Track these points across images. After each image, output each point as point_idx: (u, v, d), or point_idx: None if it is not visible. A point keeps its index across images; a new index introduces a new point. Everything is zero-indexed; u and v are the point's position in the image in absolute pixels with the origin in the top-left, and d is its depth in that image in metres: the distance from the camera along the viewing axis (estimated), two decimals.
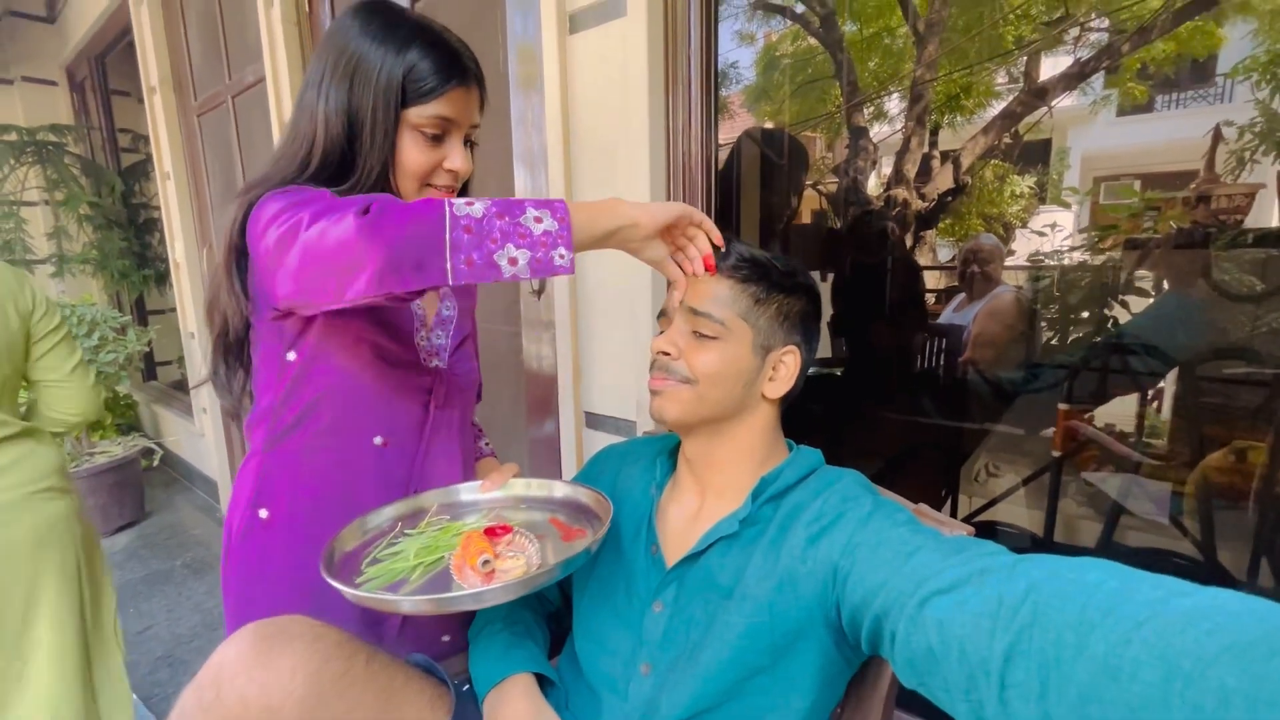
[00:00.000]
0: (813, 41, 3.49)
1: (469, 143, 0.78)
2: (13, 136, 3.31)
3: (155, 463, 3.14)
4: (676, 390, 0.67)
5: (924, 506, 0.69)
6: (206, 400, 2.87)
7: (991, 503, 1.96)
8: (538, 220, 0.55)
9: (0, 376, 1.11)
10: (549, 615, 0.84)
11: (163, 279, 3.66)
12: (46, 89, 3.83)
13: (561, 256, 0.55)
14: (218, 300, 0.75)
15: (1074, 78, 2.60)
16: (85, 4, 3.24)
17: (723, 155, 1.78)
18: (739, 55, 3.64)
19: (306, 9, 1.82)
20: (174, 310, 3.26)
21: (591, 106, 1.14)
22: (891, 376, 2.32)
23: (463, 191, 0.82)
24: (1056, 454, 1.82)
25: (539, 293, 1.29)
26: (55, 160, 3.43)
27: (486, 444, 1.00)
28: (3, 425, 1.09)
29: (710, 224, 0.66)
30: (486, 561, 0.61)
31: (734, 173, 1.67)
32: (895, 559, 0.53)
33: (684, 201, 1.11)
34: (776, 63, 3.74)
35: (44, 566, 1.11)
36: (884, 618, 0.51)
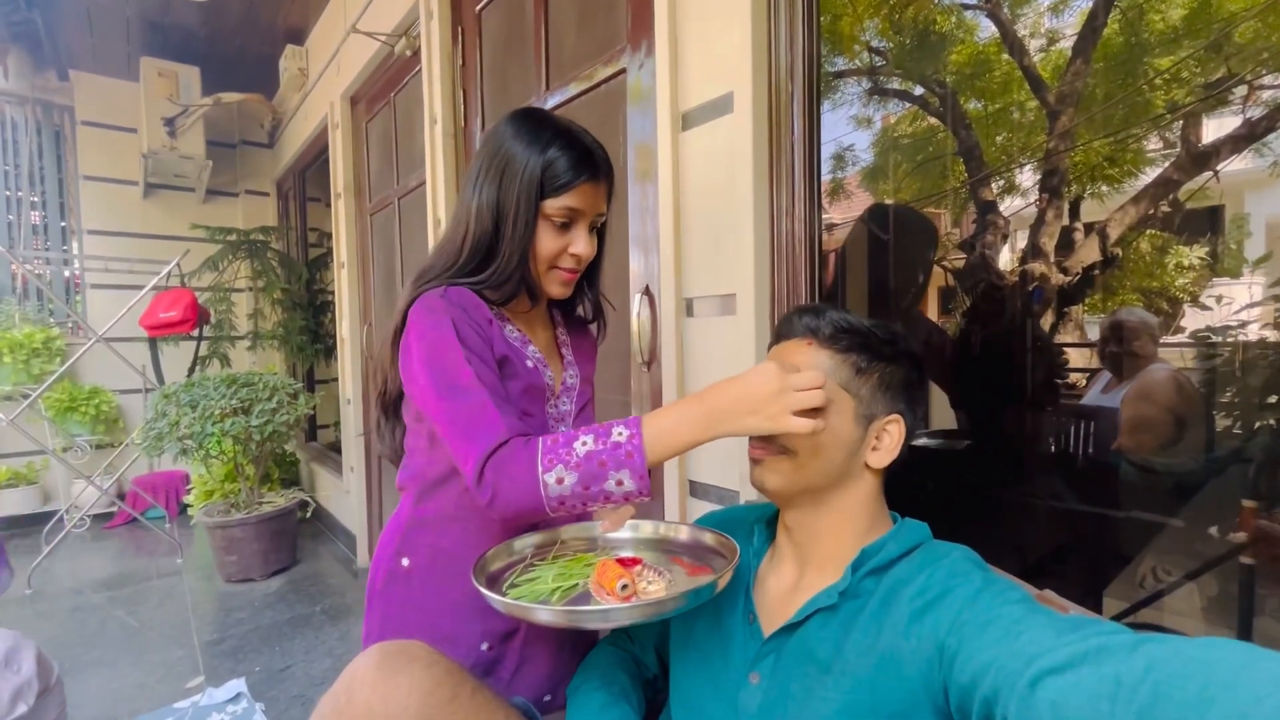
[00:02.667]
0: (933, 120, 3.48)
1: (595, 229, 0.86)
2: (233, 237, 4.08)
3: (308, 515, 3.52)
4: (776, 460, 0.68)
5: (1049, 593, 0.64)
6: (354, 459, 3.20)
7: (1149, 599, 1.68)
8: (619, 483, 0.65)
9: None
10: (645, 683, 0.84)
11: (330, 352, 4.22)
12: (260, 199, 4.72)
13: (640, 497, 0.66)
14: (382, 363, 0.87)
15: (1243, 140, 2.38)
16: (296, 131, 4.00)
17: (831, 235, 1.80)
18: (855, 138, 3.69)
19: (462, 124, 2.13)
20: (335, 380, 3.73)
21: (701, 194, 1.23)
22: (1021, 460, 2.12)
23: (591, 271, 0.92)
24: (1247, 561, 1.54)
25: (649, 364, 1.36)
26: (260, 255, 4.16)
27: None
28: None
29: (804, 389, 0.62)
30: (625, 585, 0.64)
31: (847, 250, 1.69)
32: (1005, 636, 0.49)
33: (788, 282, 1.15)
34: (896, 143, 3.75)
35: None
36: (994, 700, 0.47)
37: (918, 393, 0.71)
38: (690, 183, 1.25)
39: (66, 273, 4.36)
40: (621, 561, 0.71)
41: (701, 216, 1.23)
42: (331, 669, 2.18)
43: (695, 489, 1.27)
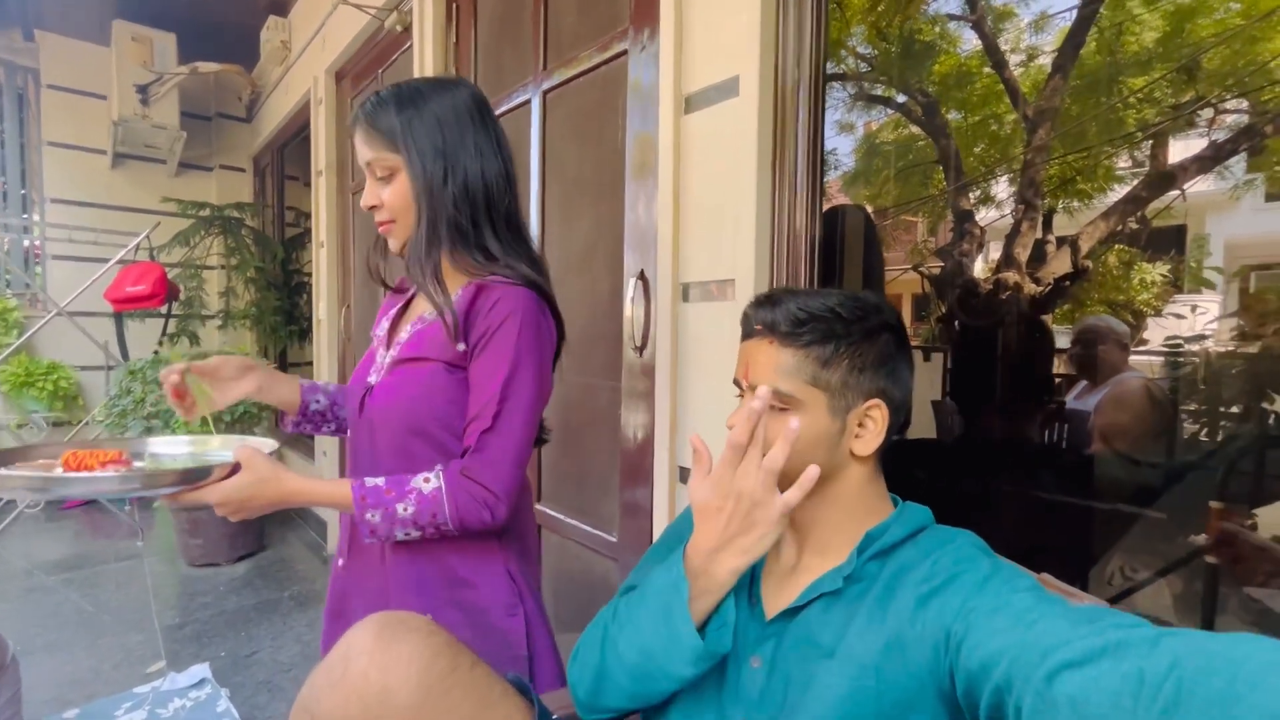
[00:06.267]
0: (915, 129, 3.54)
1: (385, 178, 0.85)
2: (205, 212, 3.95)
3: None
4: None
5: (1048, 576, 0.64)
6: (327, 443, 3.12)
7: (1124, 594, 1.73)
8: None
9: None
10: None
11: (305, 335, 4.11)
12: (236, 174, 4.58)
13: None
14: None
15: (1208, 161, 2.46)
16: (275, 106, 3.89)
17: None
18: (838, 143, 3.73)
19: None
20: (310, 364, 3.64)
21: (702, 178, 1.22)
22: (986, 458, 2.17)
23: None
24: (1211, 561, 1.60)
25: (640, 349, 1.35)
26: (234, 232, 4.03)
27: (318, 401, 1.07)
28: None
29: None
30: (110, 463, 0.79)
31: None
32: (1017, 626, 0.48)
33: (788, 268, 1.15)
34: (877, 149, 3.80)
35: None
36: (1006, 690, 0.46)
37: (898, 365, 0.66)
38: (691, 166, 1.24)
39: (26, 242, 4.17)
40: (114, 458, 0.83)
41: (702, 201, 1.23)
42: (299, 655, 2.13)
43: (685, 474, 1.27)
